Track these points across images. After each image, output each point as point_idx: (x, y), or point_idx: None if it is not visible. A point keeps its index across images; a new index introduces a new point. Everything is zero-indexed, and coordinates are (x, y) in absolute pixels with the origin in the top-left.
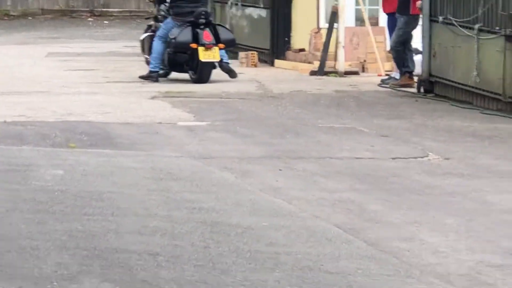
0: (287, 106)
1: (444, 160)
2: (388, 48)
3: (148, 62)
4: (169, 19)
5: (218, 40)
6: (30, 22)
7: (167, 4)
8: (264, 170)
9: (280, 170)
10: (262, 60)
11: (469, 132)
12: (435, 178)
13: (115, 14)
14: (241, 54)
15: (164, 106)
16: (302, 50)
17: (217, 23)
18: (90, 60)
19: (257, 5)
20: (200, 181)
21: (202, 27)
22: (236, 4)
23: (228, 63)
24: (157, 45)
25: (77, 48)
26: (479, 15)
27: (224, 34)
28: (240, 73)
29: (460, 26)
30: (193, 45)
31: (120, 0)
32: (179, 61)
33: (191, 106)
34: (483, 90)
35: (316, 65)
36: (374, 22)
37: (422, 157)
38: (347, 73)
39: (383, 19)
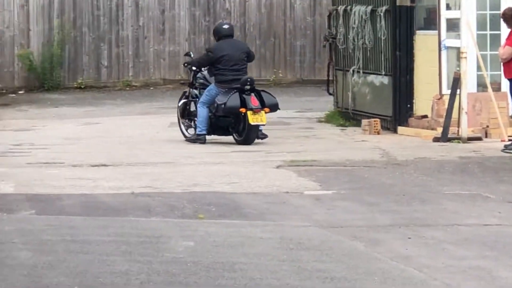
0: (411, 173)
1: None
2: (510, 113)
3: (186, 126)
4: (212, 86)
5: (263, 105)
6: (151, 92)
7: (204, 73)
8: (393, 238)
9: (409, 238)
10: (384, 127)
11: None
12: None
13: None
14: (364, 122)
15: (290, 175)
16: (425, 116)
17: (261, 89)
18: None
19: (378, 73)
20: (330, 250)
21: (247, 92)
22: (358, 72)
23: (261, 130)
24: (202, 110)
25: None
26: None
27: (268, 99)
28: (363, 140)
29: None
30: (242, 110)
31: None
32: (222, 125)
33: (317, 175)
34: None
35: (439, 131)
36: (496, 88)
37: None
38: (470, 139)
39: (505, 84)
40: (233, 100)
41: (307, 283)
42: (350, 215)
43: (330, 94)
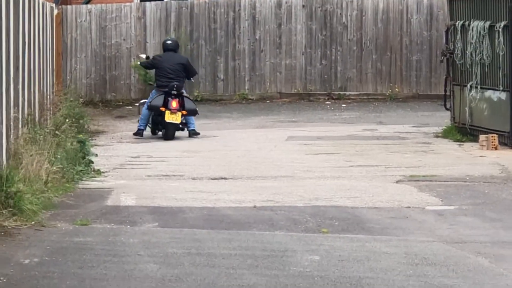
0: None
1: None
2: None
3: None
4: (154, 90)
5: (183, 108)
6: (268, 105)
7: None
8: None
9: None
10: (502, 143)
11: None
12: None
13: (352, 97)
14: (481, 137)
15: (411, 190)
16: None
17: (186, 95)
18: (330, 143)
19: (496, 88)
20: (455, 266)
21: (172, 96)
22: (476, 87)
23: (194, 129)
24: (144, 109)
25: (316, 132)
26: None
27: (188, 104)
28: (481, 156)
29: None
30: (162, 108)
31: (357, 83)
32: (156, 122)
33: (437, 190)
34: None
35: None
36: None
37: None
38: None
39: None
40: (158, 100)
41: None
42: (473, 230)
43: (447, 109)
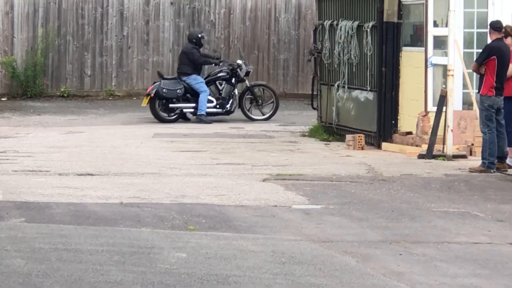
0: (399, 190)
1: None
2: None
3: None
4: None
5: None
6: (134, 102)
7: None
8: (384, 254)
9: (400, 254)
10: (368, 143)
11: None
12: None
13: None
14: (348, 137)
15: (277, 189)
16: (410, 133)
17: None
18: (196, 141)
19: (364, 88)
20: (323, 265)
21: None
22: (343, 87)
23: (201, 114)
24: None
25: (182, 129)
26: None
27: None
28: (347, 155)
29: None
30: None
31: None
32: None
33: (304, 189)
34: None
35: (424, 148)
36: None
37: None
38: (455, 156)
39: None
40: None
41: None
42: (340, 230)
43: (314, 108)
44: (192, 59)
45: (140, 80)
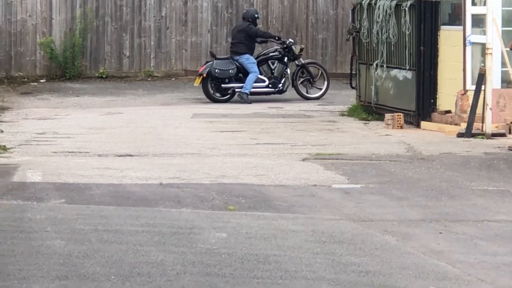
0: (438, 169)
1: None
2: None
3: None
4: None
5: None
6: (173, 83)
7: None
8: (424, 233)
9: (440, 233)
10: (407, 122)
11: None
12: None
13: None
14: (387, 116)
15: (317, 168)
16: (448, 112)
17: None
18: (236, 121)
19: (402, 67)
20: (363, 244)
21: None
22: (382, 66)
23: (244, 92)
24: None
25: (221, 109)
26: None
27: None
28: (387, 135)
29: None
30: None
31: None
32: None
33: (344, 168)
34: None
35: (462, 127)
36: None
37: None
38: (494, 135)
39: None
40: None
41: (342, 276)
42: (380, 209)
43: (352, 87)
44: (251, 34)
45: (178, 60)
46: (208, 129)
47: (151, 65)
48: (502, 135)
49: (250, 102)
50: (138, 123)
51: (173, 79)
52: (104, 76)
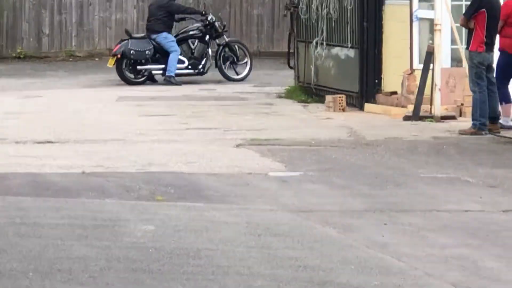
0: (383, 155)
1: None
2: None
3: None
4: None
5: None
6: (96, 63)
7: None
8: (368, 224)
9: (385, 224)
10: (350, 104)
11: None
12: None
13: None
14: (328, 98)
15: (252, 155)
16: (394, 93)
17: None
18: (164, 104)
19: (344, 45)
20: (301, 237)
21: None
22: (322, 44)
23: (169, 75)
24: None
25: (149, 92)
26: None
27: None
28: (328, 118)
29: None
30: None
31: None
32: None
33: (281, 154)
34: None
35: (409, 109)
36: None
37: None
38: (444, 117)
39: None
40: None
41: (279, 271)
42: (320, 198)
43: (290, 67)
44: (172, 11)
45: (102, 39)
46: (134, 113)
47: (73, 44)
48: (452, 117)
49: (180, 84)
50: (59, 107)
51: (96, 59)
52: (21, 56)
